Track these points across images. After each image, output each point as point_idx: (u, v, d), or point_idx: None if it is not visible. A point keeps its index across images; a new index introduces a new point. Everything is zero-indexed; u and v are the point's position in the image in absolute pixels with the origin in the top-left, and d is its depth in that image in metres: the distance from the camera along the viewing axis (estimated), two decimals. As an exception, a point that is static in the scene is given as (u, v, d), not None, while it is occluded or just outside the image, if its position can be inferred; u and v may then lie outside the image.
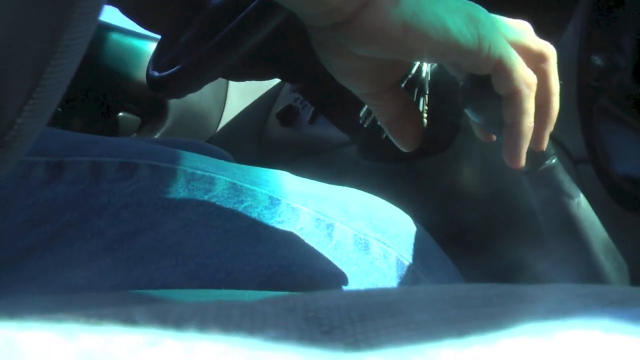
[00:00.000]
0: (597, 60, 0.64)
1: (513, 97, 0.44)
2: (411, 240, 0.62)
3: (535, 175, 0.49)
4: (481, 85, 0.46)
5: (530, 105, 0.45)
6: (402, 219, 0.64)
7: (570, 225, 0.48)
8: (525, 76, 0.44)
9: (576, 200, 0.48)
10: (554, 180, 0.48)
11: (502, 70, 0.43)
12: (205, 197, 0.55)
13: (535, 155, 0.47)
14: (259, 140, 1.39)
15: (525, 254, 0.63)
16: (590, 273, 0.47)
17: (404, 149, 0.51)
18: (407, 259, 0.60)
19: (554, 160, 0.48)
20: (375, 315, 0.20)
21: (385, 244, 0.59)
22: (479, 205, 0.84)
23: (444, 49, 0.42)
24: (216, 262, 0.53)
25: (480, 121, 0.49)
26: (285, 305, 0.20)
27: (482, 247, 0.83)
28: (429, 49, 0.42)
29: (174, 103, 1.50)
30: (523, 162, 0.46)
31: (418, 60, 0.44)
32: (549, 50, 0.46)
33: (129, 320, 0.18)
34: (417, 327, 0.20)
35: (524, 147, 0.46)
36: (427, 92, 0.52)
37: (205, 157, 0.60)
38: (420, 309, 0.21)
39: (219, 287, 0.52)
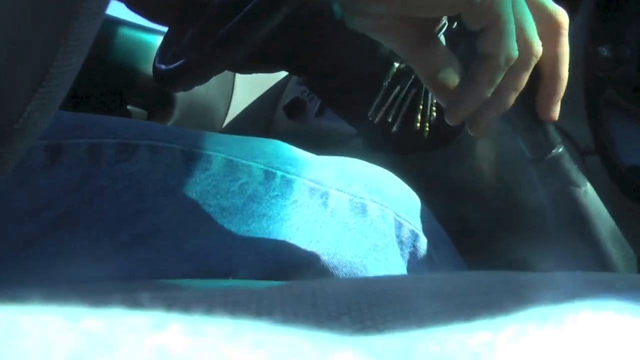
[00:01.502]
0: (604, 51, 0.63)
1: (486, 62, 0.43)
2: (406, 200, 0.63)
3: (542, 164, 0.48)
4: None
5: (497, 79, 0.43)
6: (398, 183, 0.65)
7: (577, 214, 0.48)
8: (508, 50, 0.42)
9: (583, 189, 0.48)
10: (561, 169, 0.48)
11: (490, 30, 0.42)
12: (203, 177, 0.57)
13: (542, 144, 0.47)
14: (266, 133, 1.39)
15: (532, 245, 0.63)
16: (598, 261, 0.47)
17: (446, 105, 0.48)
18: (404, 218, 0.61)
19: (560, 149, 0.48)
20: (383, 302, 0.20)
21: (382, 204, 0.60)
22: (484, 200, 0.84)
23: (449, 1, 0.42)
24: (213, 242, 0.54)
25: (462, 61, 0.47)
26: (292, 292, 0.20)
27: (488, 243, 0.83)
28: (433, 3, 0.42)
29: (180, 96, 1.49)
30: (460, 120, 0.45)
31: (427, 15, 0.43)
32: (563, 17, 0.45)
33: (135, 304, 0.18)
34: (425, 313, 0.20)
35: (461, 105, 0.45)
36: None
37: (204, 132, 0.61)
38: (427, 296, 0.21)
39: (217, 267, 0.53)
